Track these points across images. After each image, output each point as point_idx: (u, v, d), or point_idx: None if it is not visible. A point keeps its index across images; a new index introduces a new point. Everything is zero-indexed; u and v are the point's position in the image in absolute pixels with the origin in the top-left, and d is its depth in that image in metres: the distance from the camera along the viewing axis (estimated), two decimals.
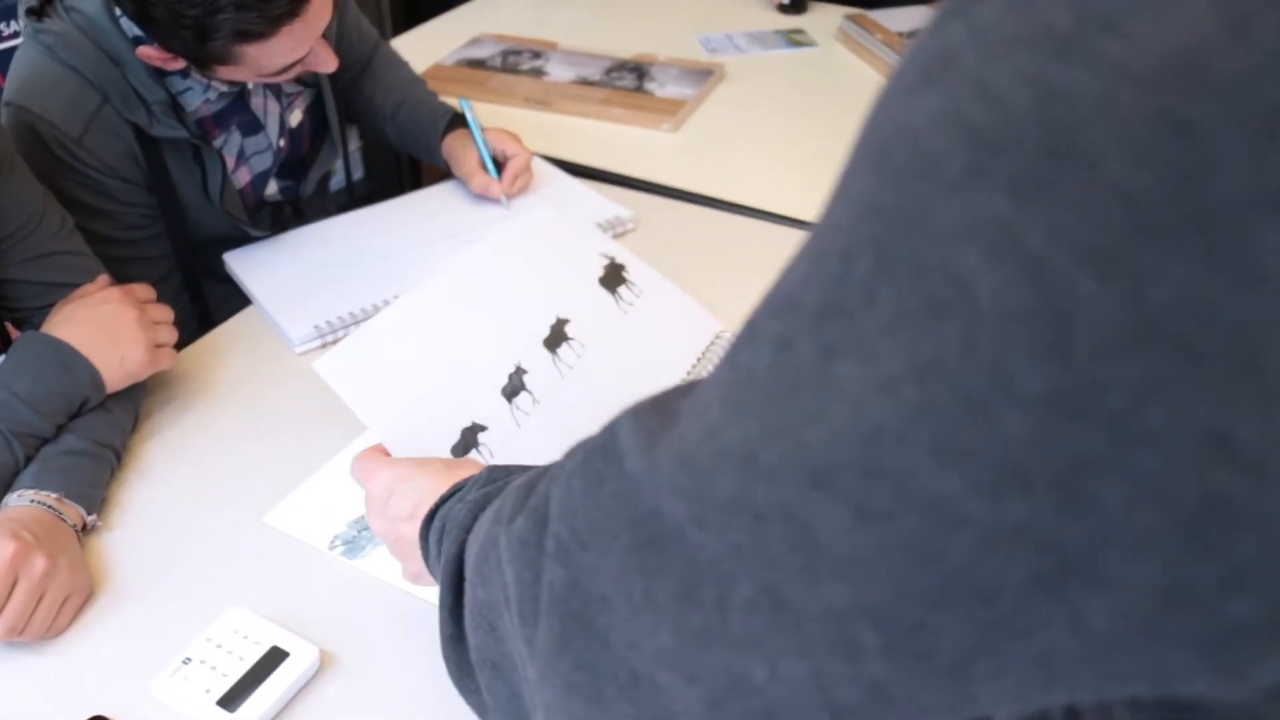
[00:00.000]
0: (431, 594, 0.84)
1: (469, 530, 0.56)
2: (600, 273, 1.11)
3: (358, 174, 1.54)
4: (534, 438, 0.92)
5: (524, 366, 0.96)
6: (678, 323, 1.12)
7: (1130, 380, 0.24)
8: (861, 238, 0.29)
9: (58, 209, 1.06)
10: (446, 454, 0.88)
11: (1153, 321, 0.24)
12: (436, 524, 0.66)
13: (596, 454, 0.41)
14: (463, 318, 0.96)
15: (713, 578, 0.33)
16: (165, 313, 1.04)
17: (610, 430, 0.41)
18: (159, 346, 1.01)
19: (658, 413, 0.39)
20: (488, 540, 0.49)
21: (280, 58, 1.07)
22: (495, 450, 0.90)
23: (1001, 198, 0.25)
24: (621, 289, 1.10)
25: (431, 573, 0.68)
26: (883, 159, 0.29)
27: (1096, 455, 0.25)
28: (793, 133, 1.62)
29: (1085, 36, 0.24)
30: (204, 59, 1.06)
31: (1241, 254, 0.22)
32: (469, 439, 0.90)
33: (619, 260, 1.13)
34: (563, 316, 1.02)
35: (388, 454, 0.80)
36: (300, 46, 1.07)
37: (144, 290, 1.04)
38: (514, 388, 0.94)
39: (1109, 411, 0.24)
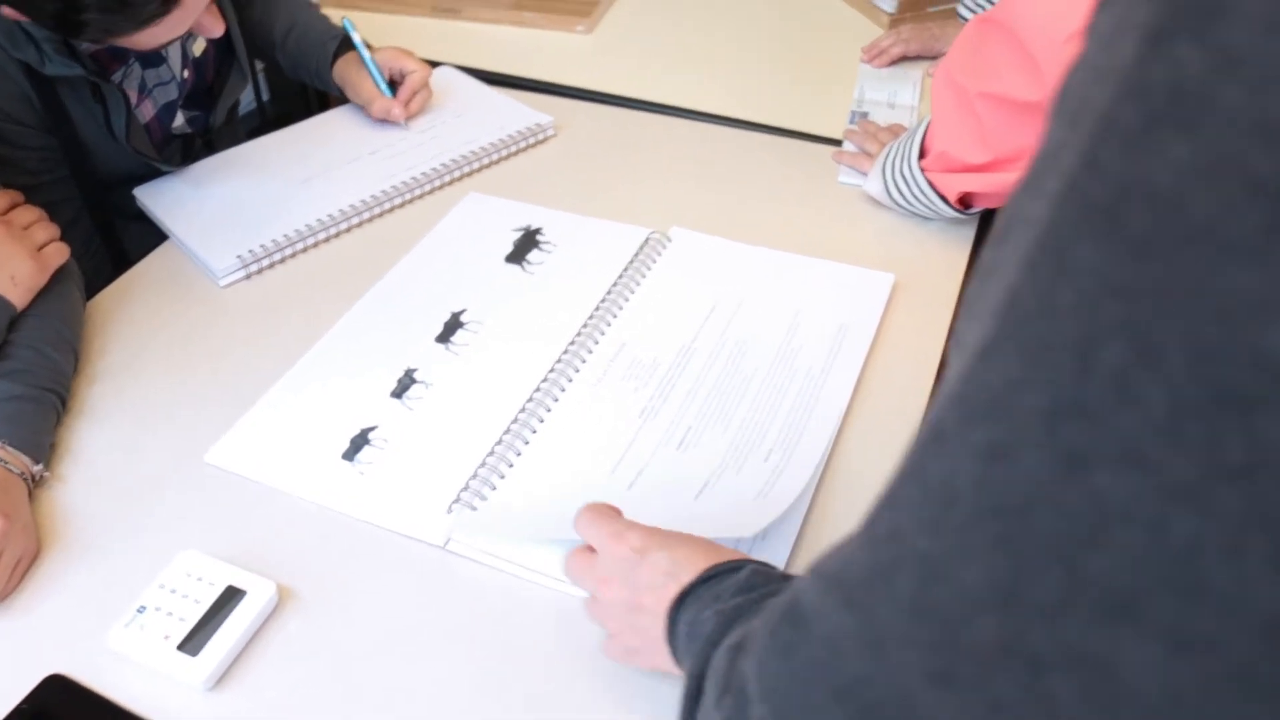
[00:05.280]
0: (389, 522, 0.84)
1: (715, 645, 0.51)
2: (509, 249, 1.13)
3: (265, 95, 1.49)
4: (430, 418, 0.94)
5: (413, 367, 0.98)
6: (598, 247, 1.13)
7: None
8: (1104, 324, 0.25)
9: None
10: (339, 461, 0.89)
11: None
12: (690, 610, 0.60)
13: (782, 621, 0.36)
14: (360, 349, 1.00)
15: None
16: (32, 213, 1.04)
17: (793, 592, 0.36)
18: (41, 248, 1.01)
19: (836, 555, 0.35)
20: (721, 685, 0.44)
21: (156, 41, 1.03)
22: (390, 437, 0.91)
23: None
24: (531, 254, 1.12)
25: (674, 658, 0.63)
26: (1112, 226, 0.25)
27: None
28: (708, 26, 1.60)
29: None
30: (72, 41, 1.02)
31: None
32: (359, 441, 0.91)
33: (533, 226, 1.15)
34: (457, 309, 1.04)
35: (619, 513, 0.72)
36: (178, 29, 1.02)
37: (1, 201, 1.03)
38: (402, 387, 0.96)
39: None
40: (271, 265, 1.13)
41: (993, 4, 1.28)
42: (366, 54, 1.33)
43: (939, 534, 0.29)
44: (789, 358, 0.98)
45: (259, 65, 1.47)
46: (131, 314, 1.08)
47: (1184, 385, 0.24)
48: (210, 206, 1.20)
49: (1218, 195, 0.23)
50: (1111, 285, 0.25)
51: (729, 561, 0.63)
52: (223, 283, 1.11)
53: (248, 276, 1.12)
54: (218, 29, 1.11)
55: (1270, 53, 0.22)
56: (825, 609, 0.33)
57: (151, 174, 1.24)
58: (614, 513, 0.71)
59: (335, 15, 1.52)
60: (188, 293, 1.11)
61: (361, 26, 1.36)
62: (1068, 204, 0.26)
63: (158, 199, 1.22)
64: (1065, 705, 0.27)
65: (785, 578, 0.59)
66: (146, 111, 1.24)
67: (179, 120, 1.30)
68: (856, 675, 0.31)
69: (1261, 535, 0.23)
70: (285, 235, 1.14)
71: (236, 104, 1.42)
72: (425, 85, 1.34)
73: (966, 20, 1.42)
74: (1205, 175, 0.23)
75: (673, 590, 0.63)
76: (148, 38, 1.01)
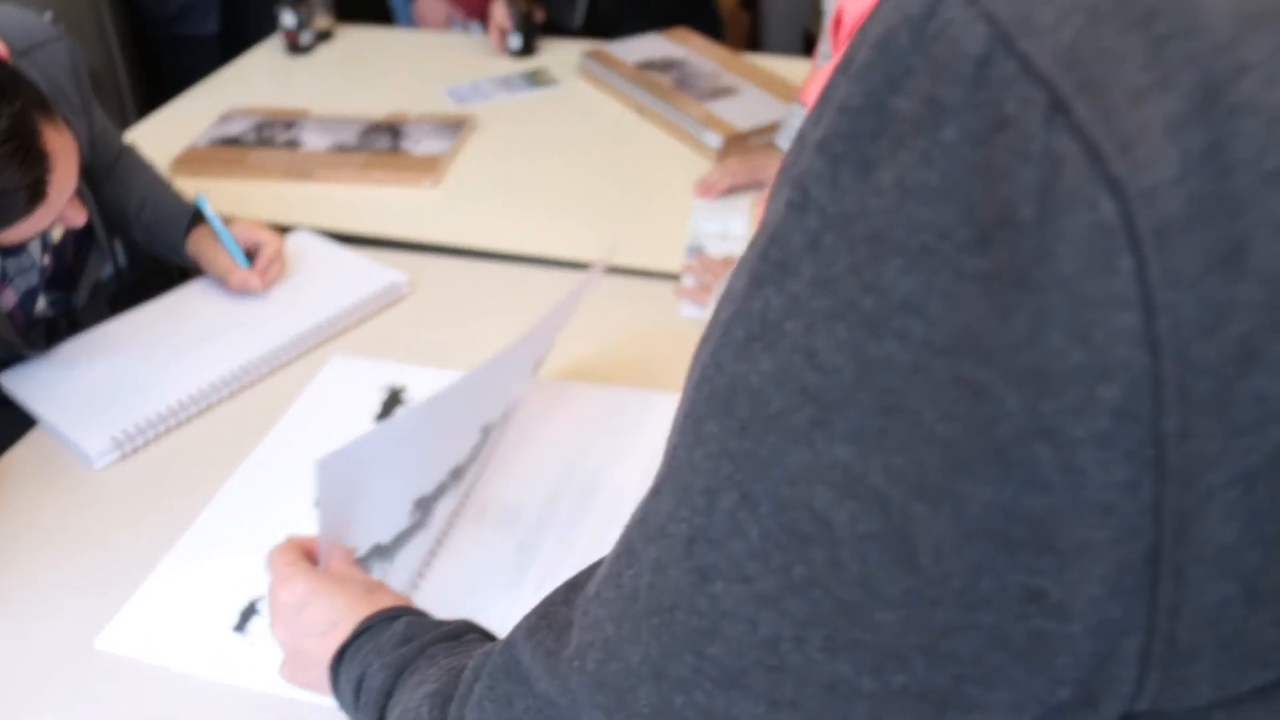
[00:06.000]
0: (303, 695, 0.88)
1: (389, 696, 0.61)
2: (377, 409, 1.19)
3: (122, 261, 1.53)
4: None
5: (294, 534, 0.96)
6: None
7: (964, 570, 0.30)
8: (721, 479, 0.34)
9: None
10: (231, 633, 0.92)
11: (973, 527, 0.29)
12: (354, 665, 0.69)
13: (501, 675, 0.45)
14: (241, 520, 1.02)
15: None
16: None
17: (508, 650, 0.46)
18: None
19: (549, 628, 0.44)
20: None
21: (21, 237, 1.08)
22: None
23: (843, 447, 0.30)
24: (399, 412, 1.17)
25: (341, 706, 0.71)
26: (726, 410, 0.34)
27: (950, 623, 0.31)
28: (549, 172, 1.70)
29: (891, 317, 0.29)
30: None
31: (1027, 469, 0.28)
32: (248, 613, 0.94)
33: (397, 385, 1.22)
34: None
35: (314, 554, 0.81)
36: (43, 223, 1.08)
37: None
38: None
39: (953, 593, 0.31)
40: (146, 443, 1.17)
41: None
42: (221, 227, 1.39)
43: (621, 623, 0.39)
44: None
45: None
46: (4, 505, 1.10)
47: (770, 525, 0.33)
48: (79, 388, 1.23)
49: (784, 397, 0.32)
50: (727, 452, 0.34)
51: (385, 611, 0.71)
52: (98, 465, 1.14)
53: (123, 457, 1.15)
54: (80, 219, 1.17)
55: (817, 298, 0.31)
56: (539, 672, 0.43)
57: (14, 359, 1.27)
58: (295, 554, 0.80)
59: (189, 184, 1.59)
60: (62, 478, 1.14)
61: (215, 192, 1.42)
62: (700, 388, 0.35)
63: (25, 385, 1.25)
64: None
65: (439, 624, 0.68)
66: (9, 299, 1.28)
67: (41, 304, 1.33)
68: None
69: (818, 629, 0.33)
70: (157, 412, 1.18)
71: (99, 281, 1.46)
72: (280, 255, 1.41)
73: (784, 150, 1.55)
74: (777, 381, 0.32)
75: (333, 643, 0.72)
76: (14, 234, 1.06)
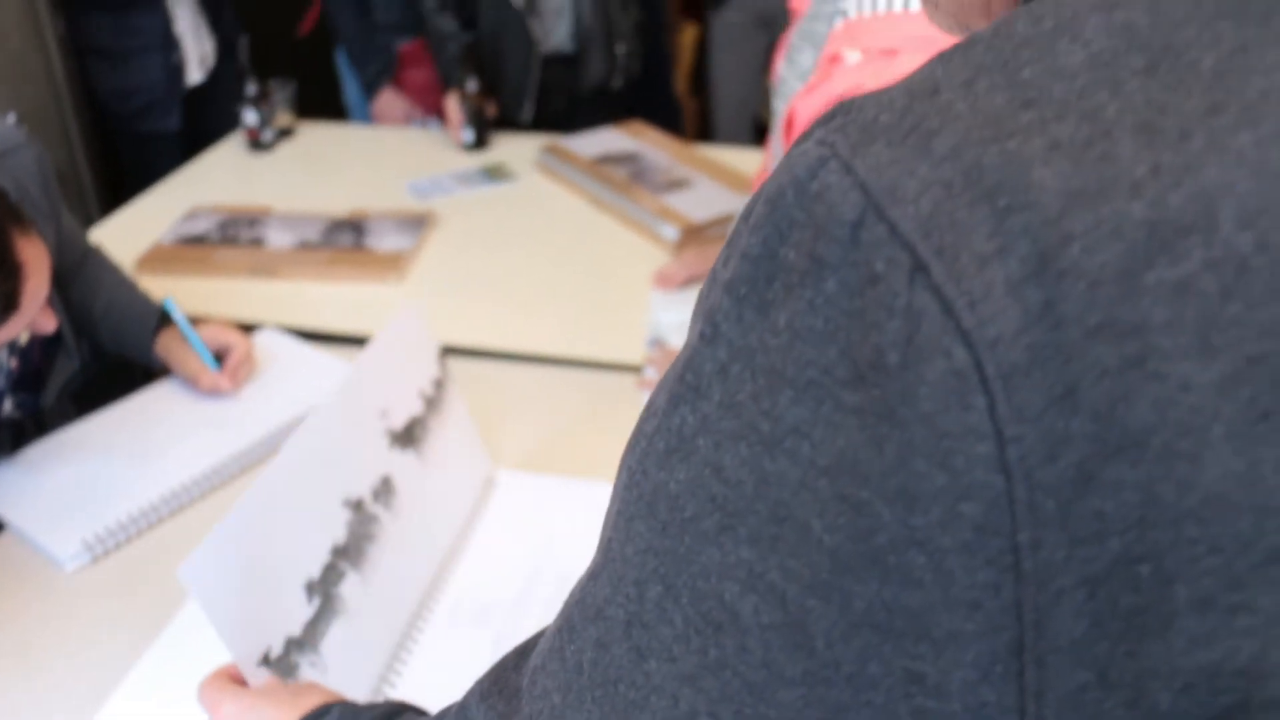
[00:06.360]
0: None
1: None
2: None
3: (87, 354, 1.55)
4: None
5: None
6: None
7: (853, 655, 0.34)
8: (648, 572, 0.38)
9: None
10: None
11: (859, 618, 0.33)
12: None
13: None
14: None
15: None
16: None
17: (463, 713, 0.50)
18: None
19: (501, 693, 0.49)
20: None
21: None
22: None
23: (746, 549, 0.35)
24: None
25: None
26: (651, 512, 0.38)
27: (844, 701, 0.35)
28: (511, 266, 1.75)
29: (783, 439, 0.34)
30: None
31: (904, 571, 0.32)
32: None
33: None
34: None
35: (238, 676, 0.83)
36: (15, 332, 1.10)
37: None
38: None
39: (845, 675, 0.34)
40: (118, 546, 1.18)
41: None
42: (190, 331, 1.41)
43: (566, 693, 0.43)
44: None
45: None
46: None
47: (690, 613, 0.37)
48: (48, 492, 1.24)
49: (697, 504, 0.36)
50: (652, 549, 0.38)
51: (316, 710, 0.73)
52: (69, 568, 1.15)
53: (94, 559, 1.16)
54: (50, 326, 1.19)
55: (724, 420, 0.35)
56: None
57: None
58: (221, 680, 0.82)
59: (154, 282, 1.61)
60: (31, 582, 1.14)
61: (181, 291, 1.45)
62: (630, 490, 0.40)
63: None
64: None
65: (372, 707, 0.70)
66: None
67: (8, 407, 1.34)
68: None
69: (729, 705, 0.37)
70: (129, 514, 1.19)
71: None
72: (249, 356, 1.43)
73: None
74: (691, 490, 0.36)
75: None
76: None
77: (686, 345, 0.38)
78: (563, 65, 2.32)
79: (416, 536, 1.09)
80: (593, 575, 0.42)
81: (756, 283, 0.35)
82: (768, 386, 0.34)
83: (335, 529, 0.98)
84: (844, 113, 0.35)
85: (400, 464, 1.08)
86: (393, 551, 1.05)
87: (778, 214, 0.34)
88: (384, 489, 1.05)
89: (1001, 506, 0.31)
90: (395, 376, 1.11)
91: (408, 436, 1.11)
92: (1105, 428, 0.29)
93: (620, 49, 2.34)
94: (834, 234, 0.32)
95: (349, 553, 0.99)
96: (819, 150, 0.34)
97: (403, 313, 1.14)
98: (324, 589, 0.95)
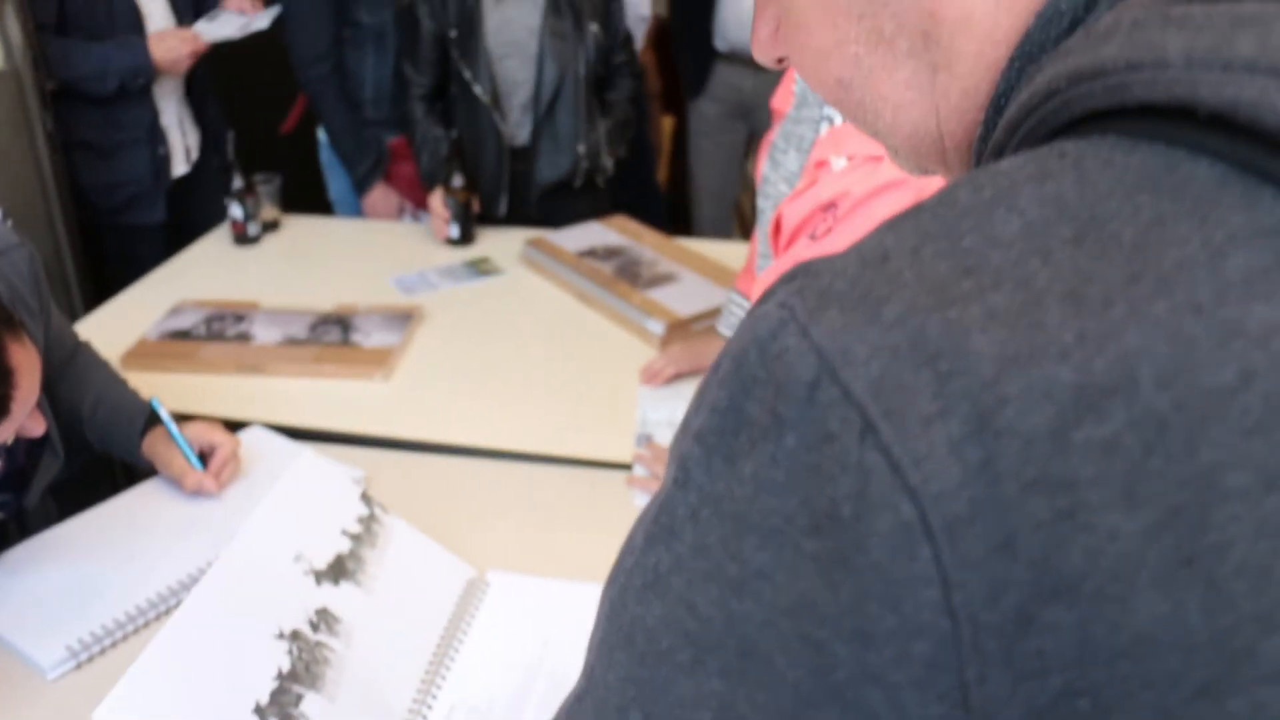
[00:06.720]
0: None
1: None
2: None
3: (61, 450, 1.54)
4: None
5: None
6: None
7: None
8: (628, 699, 0.41)
9: None
10: None
11: None
12: None
13: None
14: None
15: None
16: None
17: None
18: None
19: None
20: None
21: None
22: None
23: (717, 681, 0.37)
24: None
25: None
26: (629, 643, 0.40)
27: None
28: (498, 362, 1.76)
29: (749, 581, 0.36)
30: None
31: (861, 704, 0.35)
32: None
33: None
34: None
35: None
36: (2, 436, 1.10)
37: None
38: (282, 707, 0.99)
39: None
40: (102, 651, 1.16)
41: None
42: (176, 430, 1.41)
43: None
44: None
45: None
46: None
47: None
48: (31, 596, 1.22)
49: (671, 637, 0.38)
50: (631, 677, 0.40)
51: None
52: (51, 676, 1.13)
53: (78, 666, 1.14)
54: (39, 429, 1.18)
55: (696, 560, 0.37)
56: None
57: None
58: None
59: (139, 377, 1.60)
60: (12, 691, 1.12)
61: (167, 387, 1.44)
62: (611, 620, 0.41)
63: None
64: None
65: None
66: None
67: None
68: None
69: None
70: (115, 619, 1.18)
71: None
72: (235, 456, 1.43)
73: (727, 336, 1.62)
74: (666, 625, 0.38)
75: None
76: None
77: (662, 488, 0.41)
78: (525, 160, 2.33)
79: (387, 650, 1.10)
80: (578, 698, 0.44)
81: (724, 434, 0.37)
82: (735, 532, 0.37)
83: (277, 657, 1.02)
84: (804, 274, 0.38)
85: (337, 595, 1.12)
86: (360, 667, 1.07)
87: (743, 371, 0.37)
88: (323, 619, 1.09)
89: (949, 646, 0.33)
90: (305, 523, 1.18)
91: (338, 570, 1.15)
92: (1041, 574, 0.32)
93: (580, 148, 2.32)
94: (792, 393, 0.35)
95: (300, 677, 1.02)
96: (779, 313, 0.36)
97: (302, 462, 1.24)
98: (279, 710, 0.98)
